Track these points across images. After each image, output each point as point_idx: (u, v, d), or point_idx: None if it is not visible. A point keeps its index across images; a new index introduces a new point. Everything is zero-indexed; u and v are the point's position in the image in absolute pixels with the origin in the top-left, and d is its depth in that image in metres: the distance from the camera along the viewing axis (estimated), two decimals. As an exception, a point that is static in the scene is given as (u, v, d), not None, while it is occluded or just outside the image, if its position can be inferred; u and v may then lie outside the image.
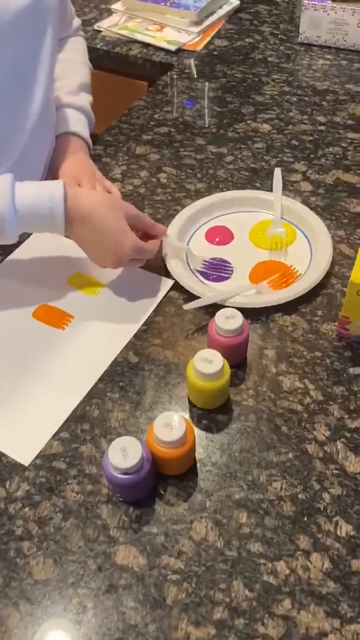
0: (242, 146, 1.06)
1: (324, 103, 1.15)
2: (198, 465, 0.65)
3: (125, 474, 0.57)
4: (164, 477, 0.63)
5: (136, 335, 0.77)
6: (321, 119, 1.12)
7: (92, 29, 1.40)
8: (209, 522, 0.60)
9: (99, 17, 1.45)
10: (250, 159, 1.03)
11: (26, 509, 0.62)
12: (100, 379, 0.73)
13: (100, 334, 0.78)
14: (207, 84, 1.23)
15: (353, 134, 1.07)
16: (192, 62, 1.29)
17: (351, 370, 0.72)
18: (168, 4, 1.38)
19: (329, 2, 1.24)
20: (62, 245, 0.88)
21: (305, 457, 0.65)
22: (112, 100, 1.31)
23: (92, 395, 0.71)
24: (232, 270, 0.84)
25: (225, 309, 0.70)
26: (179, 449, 0.59)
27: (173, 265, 0.83)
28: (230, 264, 0.85)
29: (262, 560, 0.58)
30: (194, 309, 0.78)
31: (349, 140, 1.06)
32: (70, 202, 0.73)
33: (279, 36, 1.36)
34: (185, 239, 0.88)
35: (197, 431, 0.67)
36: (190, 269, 0.84)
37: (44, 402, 0.71)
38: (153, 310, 0.80)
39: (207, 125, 1.12)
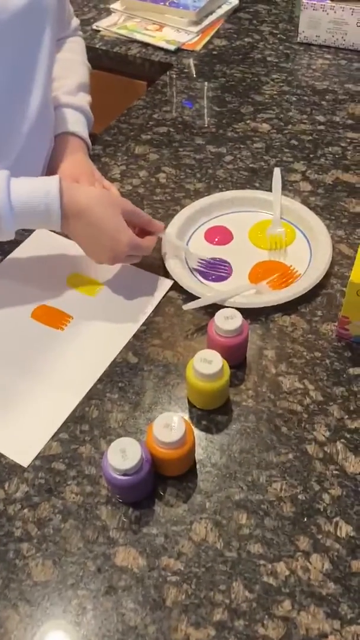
0: (242, 146, 1.06)
1: (323, 103, 1.15)
2: (198, 466, 0.64)
3: (124, 475, 0.57)
4: (164, 478, 0.63)
5: (135, 336, 0.77)
6: (320, 118, 1.11)
7: (91, 28, 1.40)
8: (209, 523, 0.60)
9: (97, 16, 1.44)
10: (250, 159, 1.03)
11: (25, 510, 0.62)
12: (100, 380, 0.73)
13: (100, 334, 0.77)
14: (206, 83, 1.23)
15: (352, 134, 1.07)
16: (191, 61, 1.29)
17: (351, 370, 0.72)
18: (167, 3, 1.38)
19: (328, 1, 1.24)
20: (61, 245, 0.88)
21: (305, 458, 0.65)
22: (111, 100, 1.31)
23: (91, 395, 0.71)
24: (228, 269, 0.83)
25: (225, 309, 0.70)
26: (179, 449, 0.59)
27: (172, 265, 0.82)
28: (226, 263, 0.84)
29: (262, 561, 0.57)
30: (194, 309, 0.78)
31: (348, 140, 1.06)
32: (66, 198, 0.72)
33: (278, 36, 1.36)
34: (185, 239, 0.88)
35: (196, 432, 0.67)
36: (190, 269, 0.84)
37: (43, 403, 0.71)
38: (152, 311, 0.80)
39: (206, 125, 1.11)
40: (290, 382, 0.71)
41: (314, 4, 1.24)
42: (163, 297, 0.81)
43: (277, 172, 0.97)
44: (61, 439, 0.67)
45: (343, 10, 1.23)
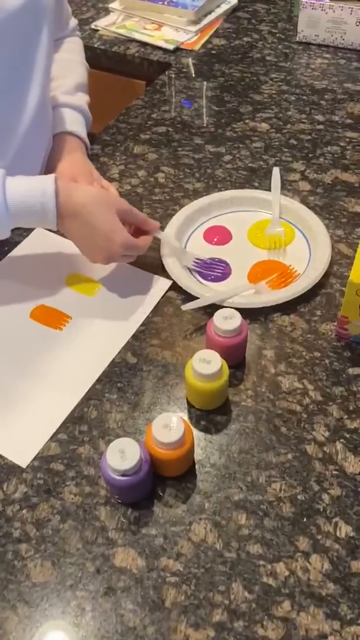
0: (241, 145, 1.06)
1: (322, 102, 1.15)
2: (197, 466, 0.64)
3: (123, 475, 0.57)
4: (163, 478, 0.63)
5: (134, 336, 0.77)
6: (319, 118, 1.11)
7: (89, 28, 1.40)
8: (208, 523, 0.60)
9: (96, 16, 1.44)
10: (249, 159, 1.03)
11: (24, 511, 0.62)
12: (98, 380, 0.72)
13: (98, 334, 0.77)
14: (205, 83, 1.22)
15: (351, 133, 1.07)
16: (190, 61, 1.29)
17: (350, 370, 0.72)
18: (166, 2, 1.38)
19: (327, 1, 1.23)
20: (59, 245, 0.88)
21: (305, 458, 0.64)
22: (109, 99, 1.31)
23: (90, 396, 0.71)
24: (225, 269, 0.83)
25: (224, 309, 0.69)
26: (178, 450, 0.59)
27: (171, 265, 0.82)
28: (223, 263, 0.84)
29: (261, 562, 0.57)
30: (192, 309, 0.78)
31: (347, 140, 1.06)
32: (61, 198, 0.72)
33: (277, 35, 1.36)
34: (184, 239, 0.88)
35: (195, 432, 0.67)
36: (188, 268, 0.84)
37: (41, 403, 0.70)
38: (151, 311, 0.79)
39: (205, 125, 1.11)
40: (289, 382, 0.71)
41: (313, 3, 1.24)
42: (162, 297, 0.81)
43: (276, 171, 0.97)
44: (60, 440, 0.67)
45: (342, 10, 1.23)
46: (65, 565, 0.58)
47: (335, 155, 1.03)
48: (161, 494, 0.62)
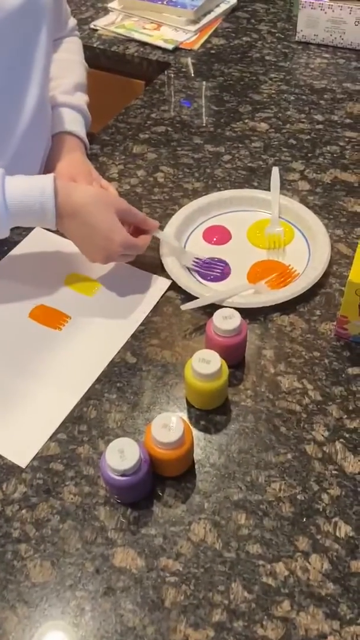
0: (240, 145, 1.06)
1: (321, 102, 1.15)
2: (196, 466, 0.64)
3: (123, 475, 0.57)
4: (162, 478, 0.63)
5: (134, 336, 0.77)
6: (319, 117, 1.11)
7: (88, 27, 1.40)
8: (208, 523, 0.60)
9: (95, 15, 1.44)
10: (248, 158, 1.03)
11: (23, 511, 0.62)
12: (98, 380, 0.72)
13: (98, 334, 0.77)
14: (204, 82, 1.22)
15: (351, 133, 1.07)
16: (189, 60, 1.29)
17: (350, 370, 0.72)
18: (165, 2, 1.38)
19: (327, 0, 1.23)
20: (59, 245, 0.88)
21: (304, 458, 0.64)
22: (109, 99, 1.31)
23: (90, 396, 0.71)
24: (224, 269, 0.83)
25: (223, 309, 0.69)
26: (177, 450, 0.59)
27: (170, 265, 0.82)
28: (223, 263, 0.84)
29: (261, 562, 0.57)
30: (192, 309, 0.78)
31: (346, 139, 1.06)
32: (60, 197, 0.72)
33: (277, 35, 1.36)
34: (183, 239, 0.88)
35: (195, 432, 0.67)
36: (187, 268, 0.84)
37: (41, 403, 0.70)
38: (151, 310, 0.79)
39: (204, 124, 1.11)
40: (289, 382, 0.71)
41: (312, 2, 1.24)
42: (161, 297, 0.81)
43: (275, 171, 0.97)
44: (59, 440, 0.67)
45: (341, 9, 1.23)
46: (65, 565, 0.58)
47: (335, 155, 1.03)
48: (160, 494, 0.62)
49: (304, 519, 0.60)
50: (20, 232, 0.89)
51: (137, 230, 0.81)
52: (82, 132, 0.94)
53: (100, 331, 0.77)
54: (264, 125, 1.10)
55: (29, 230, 0.90)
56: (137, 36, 1.35)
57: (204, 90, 1.21)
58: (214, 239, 0.88)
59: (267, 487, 0.62)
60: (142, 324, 0.78)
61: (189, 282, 0.80)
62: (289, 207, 0.90)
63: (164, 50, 1.31)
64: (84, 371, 0.73)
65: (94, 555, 0.58)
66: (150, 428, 0.59)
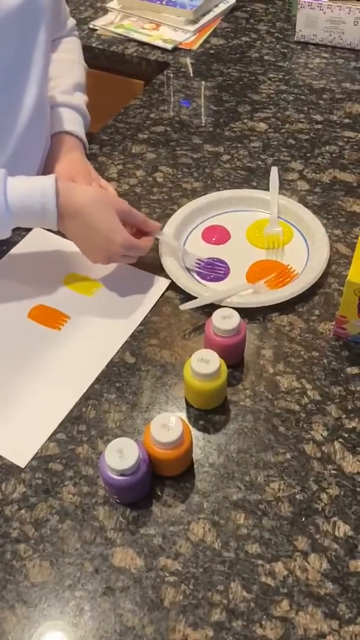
0: (239, 145, 1.06)
1: (320, 102, 1.15)
2: (195, 466, 0.64)
3: (122, 475, 0.57)
4: (161, 478, 0.63)
5: (133, 336, 0.77)
6: (318, 117, 1.11)
7: (87, 27, 1.40)
8: (207, 523, 0.60)
9: (94, 15, 1.44)
10: (247, 158, 1.03)
11: (22, 511, 0.62)
12: (97, 380, 0.72)
13: (97, 334, 0.77)
14: (203, 82, 1.22)
15: (350, 133, 1.07)
16: (188, 60, 1.29)
17: (348, 370, 0.72)
18: (164, 2, 1.38)
19: (325, 0, 1.23)
20: (58, 244, 0.88)
21: (303, 458, 0.65)
22: (108, 99, 1.31)
23: (89, 396, 0.71)
24: (226, 271, 0.83)
25: (222, 308, 0.69)
26: (176, 450, 0.59)
27: (169, 265, 0.82)
28: (224, 263, 0.84)
29: (259, 562, 0.57)
30: (191, 308, 0.78)
31: (345, 139, 1.06)
32: (62, 198, 0.73)
33: (275, 35, 1.36)
34: (182, 239, 0.88)
35: (194, 432, 0.67)
36: (187, 268, 0.84)
37: (40, 403, 0.70)
38: (150, 310, 0.79)
39: (203, 124, 1.11)
40: (288, 382, 0.71)
41: (311, 2, 1.24)
42: (160, 296, 0.81)
43: (274, 171, 0.97)
44: (58, 440, 0.67)
45: (340, 9, 1.23)
46: (64, 565, 0.58)
47: (334, 155, 1.03)
48: (160, 493, 0.62)
49: (303, 519, 0.60)
50: (19, 232, 0.89)
51: (139, 233, 0.81)
52: (81, 132, 0.94)
53: (99, 331, 0.77)
54: (263, 125, 1.10)
55: (28, 230, 0.90)
56: (136, 36, 1.35)
57: (203, 90, 1.21)
58: (213, 239, 0.88)
59: (266, 486, 0.62)
60: (141, 324, 0.78)
61: (188, 282, 0.80)
62: (288, 207, 0.90)
63: (163, 50, 1.31)
64: (83, 371, 0.73)
65: (93, 555, 0.58)
66: (150, 428, 0.59)
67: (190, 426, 0.66)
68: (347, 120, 1.10)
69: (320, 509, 0.61)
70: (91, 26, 1.40)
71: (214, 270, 0.83)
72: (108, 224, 0.75)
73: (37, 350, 0.75)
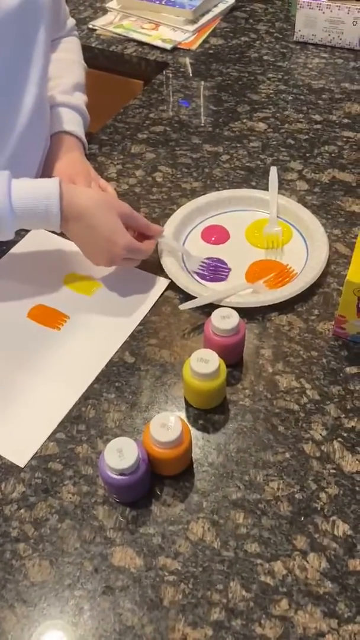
0: (238, 145, 1.06)
1: (319, 102, 1.15)
2: (194, 465, 0.64)
3: (121, 474, 0.57)
4: (161, 477, 0.63)
5: (132, 335, 0.77)
6: (317, 117, 1.11)
7: (86, 27, 1.40)
8: (206, 522, 0.60)
9: (93, 15, 1.44)
10: (246, 158, 1.03)
11: (22, 511, 0.62)
12: (96, 379, 0.72)
13: (96, 334, 0.77)
14: (202, 82, 1.22)
15: (349, 133, 1.07)
16: (187, 60, 1.29)
17: (348, 369, 0.72)
18: (163, 2, 1.38)
19: (325, 0, 1.24)
20: (57, 244, 0.88)
21: (302, 457, 0.65)
22: (107, 99, 1.31)
23: (88, 395, 0.71)
24: (228, 273, 0.83)
25: (222, 308, 0.70)
26: (176, 449, 0.59)
27: (169, 265, 0.82)
28: (226, 266, 0.84)
29: (259, 561, 0.57)
30: (190, 308, 0.78)
31: (344, 139, 1.06)
32: (66, 200, 0.73)
33: (275, 35, 1.36)
34: (181, 239, 0.88)
35: (193, 431, 0.67)
36: (186, 268, 0.84)
37: (39, 403, 0.70)
38: (149, 310, 0.79)
39: (202, 124, 1.11)
40: (287, 381, 0.71)
41: (310, 2, 1.24)
42: (160, 296, 0.81)
43: (273, 171, 0.97)
44: (58, 439, 0.67)
45: (339, 9, 1.23)
46: (64, 565, 0.58)
47: (333, 155, 1.03)
48: (159, 493, 0.62)
49: (302, 518, 0.60)
50: (19, 232, 0.89)
51: (140, 236, 0.81)
52: (80, 132, 0.94)
53: (98, 331, 0.77)
54: (262, 125, 1.10)
55: (28, 230, 0.90)
56: (135, 36, 1.35)
57: (202, 90, 1.21)
58: (213, 239, 0.88)
59: (265, 486, 0.62)
60: (140, 324, 0.78)
61: (187, 282, 0.80)
62: (287, 207, 0.90)
63: (162, 50, 1.32)
64: (83, 371, 0.73)
65: (92, 555, 0.58)
66: (149, 427, 0.59)
67: (189, 426, 0.66)
68: (346, 120, 1.10)
69: (319, 508, 0.61)
70: (90, 26, 1.40)
71: (217, 272, 0.83)
72: (111, 226, 0.75)
73: (37, 349, 0.75)
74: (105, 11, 1.45)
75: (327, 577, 0.56)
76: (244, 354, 0.74)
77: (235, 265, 0.84)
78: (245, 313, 0.76)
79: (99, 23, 1.40)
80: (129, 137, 1.09)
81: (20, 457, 0.66)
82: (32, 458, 0.66)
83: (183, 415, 0.69)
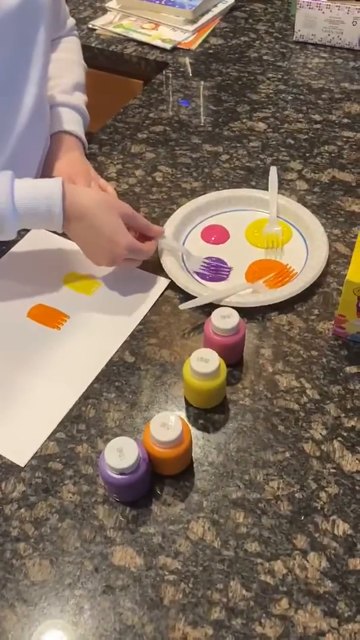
0: (238, 145, 1.06)
1: (319, 101, 1.15)
2: (195, 465, 0.64)
3: (121, 474, 0.57)
4: (161, 477, 0.63)
5: (132, 335, 0.77)
6: (317, 117, 1.11)
7: (86, 27, 1.40)
8: (206, 522, 0.60)
9: (93, 15, 1.44)
10: (246, 158, 1.03)
11: (22, 510, 0.62)
12: (96, 379, 0.73)
13: (96, 333, 0.77)
14: (202, 82, 1.22)
15: (348, 133, 1.07)
16: (187, 60, 1.29)
17: (347, 369, 0.72)
18: (163, 2, 1.38)
19: (324, 0, 1.24)
20: (57, 244, 0.88)
21: (302, 456, 0.65)
22: (107, 98, 1.31)
23: (88, 395, 0.71)
24: (229, 273, 0.83)
25: (222, 308, 0.70)
26: (176, 448, 0.59)
27: (169, 264, 0.82)
28: (227, 266, 0.84)
29: (259, 560, 0.57)
30: (190, 308, 0.78)
31: (344, 139, 1.06)
32: (68, 201, 0.73)
33: (274, 34, 1.36)
34: (181, 238, 0.88)
35: (193, 431, 0.67)
36: (186, 268, 0.84)
37: (39, 402, 0.70)
38: (149, 310, 0.79)
39: (202, 124, 1.11)
40: (287, 381, 0.71)
41: (310, 2, 1.24)
42: (160, 296, 0.81)
43: (273, 170, 0.97)
44: (58, 439, 0.67)
45: (339, 9, 1.23)
46: (64, 564, 0.58)
47: (333, 155, 1.03)
48: (159, 492, 0.62)
49: (302, 517, 0.60)
50: (19, 232, 0.89)
51: (141, 237, 0.81)
52: (80, 132, 0.94)
53: (98, 330, 0.78)
54: (261, 125, 1.10)
55: (28, 229, 0.90)
56: (135, 36, 1.35)
57: (202, 90, 1.21)
58: (212, 239, 0.89)
59: (266, 485, 0.62)
60: (140, 323, 0.78)
61: (187, 282, 0.80)
62: (287, 207, 0.90)
63: (162, 50, 1.32)
64: (83, 370, 0.73)
65: (92, 554, 0.58)
66: (149, 427, 0.59)
67: (189, 425, 0.66)
68: (345, 120, 1.10)
69: (319, 508, 0.61)
70: (90, 26, 1.40)
71: (218, 272, 0.83)
72: (112, 226, 0.75)
73: (37, 349, 0.75)
74: (105, 11, 1.45)
75: (327, 576, 0.56)
76: (244, 353, 0.74)
77: (235, 265, 0.84)
78: (245, 313, 0.76)
79: (98, 23, 1.40)
80: (129, 137, 1.09)
81: (21, 456, 0.66)
82: (33, 457, 0.66)
83: (183, 414, 0.69)
